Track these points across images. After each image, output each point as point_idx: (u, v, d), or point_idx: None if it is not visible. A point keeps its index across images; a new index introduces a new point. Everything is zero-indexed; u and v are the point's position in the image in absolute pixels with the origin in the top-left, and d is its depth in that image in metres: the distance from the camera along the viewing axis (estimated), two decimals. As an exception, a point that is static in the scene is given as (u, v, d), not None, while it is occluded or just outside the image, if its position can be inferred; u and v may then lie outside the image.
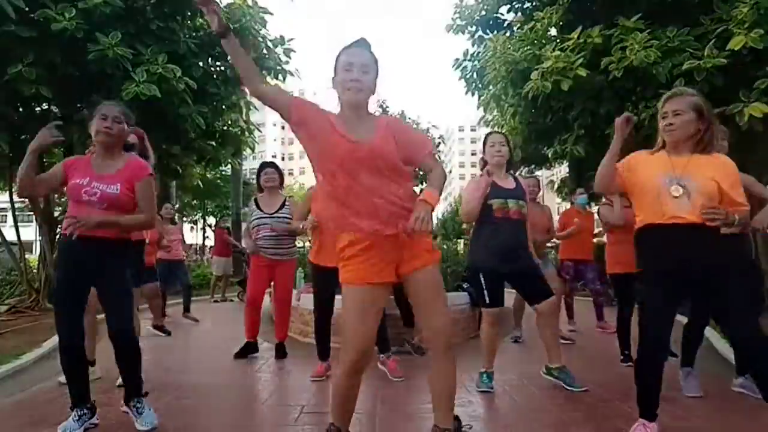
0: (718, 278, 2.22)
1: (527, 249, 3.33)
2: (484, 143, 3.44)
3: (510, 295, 3.59)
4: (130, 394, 2.57)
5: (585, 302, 6.36)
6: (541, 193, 5.70)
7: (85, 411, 2.56)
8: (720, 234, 2.25)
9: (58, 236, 7.69)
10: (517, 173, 9.83)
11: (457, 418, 2.12)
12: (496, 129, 9.66)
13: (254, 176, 4.82)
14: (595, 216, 5.18)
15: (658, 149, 2.45)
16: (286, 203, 4.35)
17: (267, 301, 5.15)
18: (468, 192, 3.35)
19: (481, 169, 3.41)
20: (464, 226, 3.48)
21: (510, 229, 3.21)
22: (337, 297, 3.82)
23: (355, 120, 1.97)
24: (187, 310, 6.81)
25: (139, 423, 2.50)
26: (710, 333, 4.53)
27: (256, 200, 4.42)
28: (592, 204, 6.75)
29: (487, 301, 3.28)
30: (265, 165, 4.45)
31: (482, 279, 3.26)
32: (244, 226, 4.35)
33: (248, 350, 4.40)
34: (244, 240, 4.52)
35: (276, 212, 4.26)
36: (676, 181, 2.27)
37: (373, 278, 1.92)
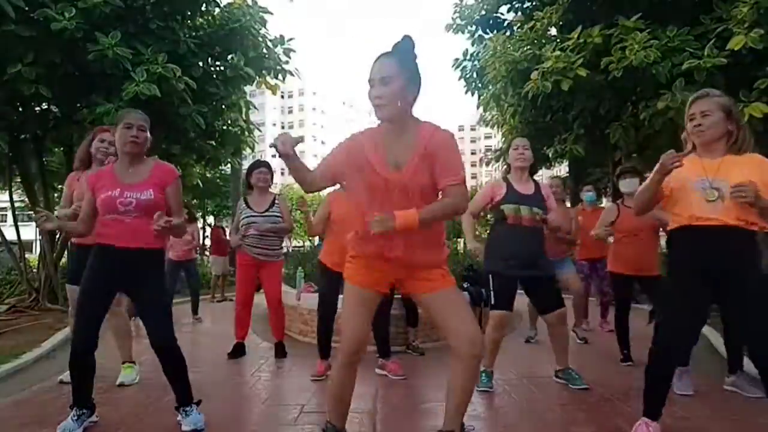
0: (739, 286, 2.18)
1: (544, 256, 3.31)
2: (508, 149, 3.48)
3: (523, 296, 3.59)
4: (179, 401, 2.59)
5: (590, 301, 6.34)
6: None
7: (84, 411, 2.56)
8: (752, 240, 2.21)
9: (58, 236, 7.69)
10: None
11: (463, 425, 2.14)
12: (496, 128, 9.68)
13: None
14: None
15: (687, 153, 2.36)
16: (276, 201, 4.34)
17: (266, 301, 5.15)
18: (478, 195, 3.43)
19: (506, 173, 3.45)
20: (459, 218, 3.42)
21: (525, 235, 3.19)
22: (340, 297, 3.83)
23: (393, 137, 1.94)
24: (195, 312, 6.90)
25: (184, 424, 2.54)
26: (710, 332, 4.53)
27: (245, 198, 4.38)
28: (597, 202, 6.74)
29: (492, 303, 3.28)
30: (258, 164, 4.40)
31: (491, 280, 3.27)
32: (230, 222, 4.37)
33: (239, 352, 4.40)
34: (230, 235, 4.51)
35: (266, 211, 4.24)
36: (709, 183, 2.20)
37: (368, 285, 2.05)
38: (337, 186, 3.78)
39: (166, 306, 2.66)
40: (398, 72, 1.86)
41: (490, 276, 3.26)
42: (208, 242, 27.67)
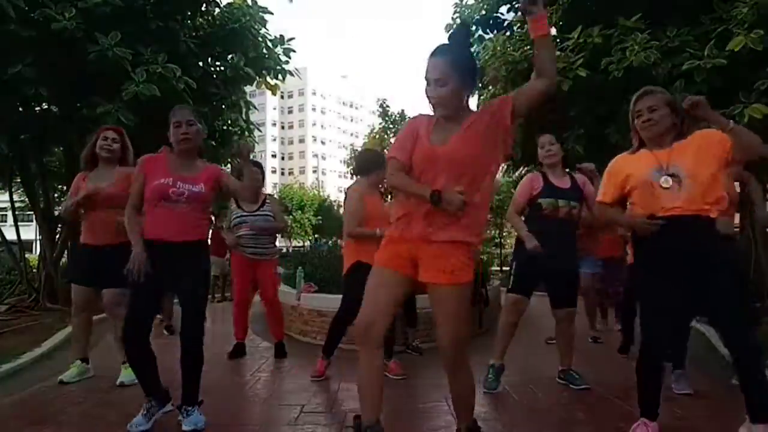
0: (710, 273, 2.21)
1: (572, 251, 3.30)
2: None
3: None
4: (184, 400, 2.60)
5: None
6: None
7: (153, 404, 2.59)
8: (715, 227, 2.25)
9: (58, 236, 7.69)
10: (517, 173, 9.82)
11: (474, 421, 2.18)
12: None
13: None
14: None
15: (635, 149, 2.46)
16: (267, 201, 4.35)
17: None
18: (517, 192, 3.43)
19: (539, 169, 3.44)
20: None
21: (556, 228, 3.19)
22: (338, 297, 3.83)
23: (452, 124, 1.99)
24: None
25: (185, 423, 2.54)
26: (710, 332, 4.54)
27: (236, 198, 4.35)
28: None
29: (511, 286, 3.33)
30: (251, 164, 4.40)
31: (515, 267, 3.35)
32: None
33: (240, 352, 4.41)
34: (225, 234, 4.53)
35: (256, 210, 4.25)
36: (664, 172, 2.26)
37: (392, 264, 2.03)
38: (354, 181, 3.81)
39: (202, 301, 2.69)
40: (452, 72, 1.91)
41: (516, 261, 3.33)
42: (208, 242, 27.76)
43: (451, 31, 2.04)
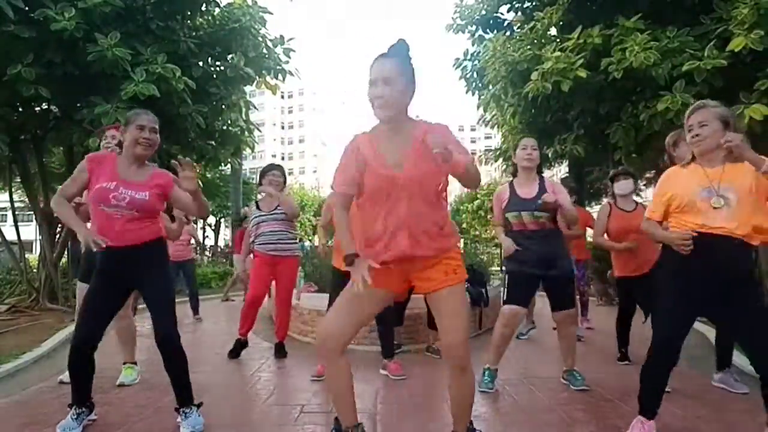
0: (740, 291, 2.23)
1: (563, 256, 3.30)
2: (515, 148, 3.46)
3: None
4: (179, 402, 2.59)
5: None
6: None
7: (83, 409, 2.57)
8: (751, 248, 2.26)
9: (58, 236, 7.70)
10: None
11: (471, 423, 2.16)
12: (496, 128, 9.68)
13: (254, 176, 4.86)
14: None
15: (688, 162, 2.44)
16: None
17: (266, 300, 5.14)
18: (494, 205, 3.49)
19: (513, 174, 3.49)
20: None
21: (537, 238, 3.20)
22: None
23: (389, 137, 1.97)
24: (195, 312, 7.02)
25: (183, 426, 2.52)
26: (709, 332, 4.54)
27: (257, 202, 4.55)
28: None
29: (505, 299, 3.34)
30: (271, 167, 4.46)
31: (506, 278, 3.35)
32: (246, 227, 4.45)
33: (241, 347, 4.43)
34: (236, 264, 4.66)
35: (271, 211, 4.37)
36: (714, 192, 2.26)
37: (378, 283, 1.92)
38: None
39: (169, 300, 2.64)
40: (399, 73, 1.91)
41: (508, 273, 3.33)
42: (208, 242, 27.74)
43: (393, 44, 2.03)
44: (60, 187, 2.63)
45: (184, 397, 2.60)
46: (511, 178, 3.53)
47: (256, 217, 4.40)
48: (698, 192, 2.29)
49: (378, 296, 2.02)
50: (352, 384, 2.06)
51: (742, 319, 2.25)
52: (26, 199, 9.28)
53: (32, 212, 8.08)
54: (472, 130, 73.61)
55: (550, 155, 8.33)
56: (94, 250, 2.37)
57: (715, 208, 2.24)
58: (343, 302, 2.02)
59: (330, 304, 3.70)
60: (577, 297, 5.97)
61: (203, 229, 31.38)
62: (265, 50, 7.92)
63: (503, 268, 3.49)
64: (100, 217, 2.53)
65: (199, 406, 2.62)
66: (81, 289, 3.48)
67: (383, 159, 1.95)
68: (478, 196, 25.33)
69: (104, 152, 2.71)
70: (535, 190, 3.27)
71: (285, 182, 4.53)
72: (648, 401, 2.38)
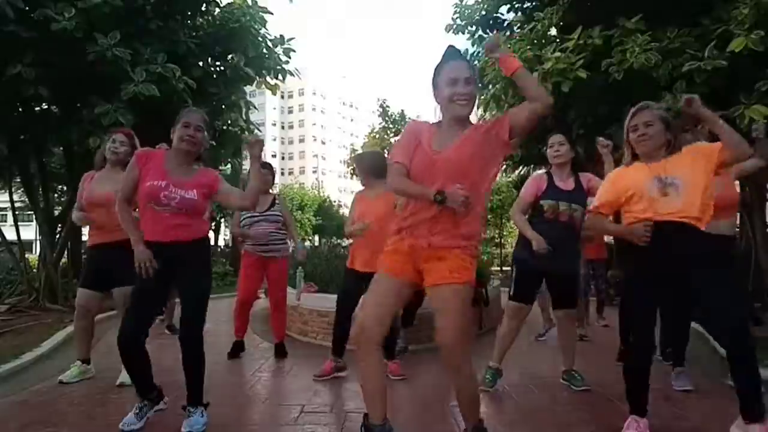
0: (703, 274, 2.29)
1: (574, 253, 3.30)
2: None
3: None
4: (189, 399, 2.60)
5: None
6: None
7: (145, 403, 2.58)
8: (706, 233, 2.34)
9: (58, 236, 7.69)
10: (516, 173, 9.77)
11: (480, 421, 2.24)
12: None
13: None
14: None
15: (629, 162, 2.56)
16: (276, 201, 4.42)
17: (264, 300, 5.13)
18: (523, 191, 3.42)
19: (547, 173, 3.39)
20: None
21: (558, 231, 3.18)
22: (333, 296, 3.83)
23: (453, 132, 2.08)
24: None
25: (184, 424, 2.53)
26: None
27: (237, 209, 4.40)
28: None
29: (511, 294, 3.34)
30: (262, 164, 4.43)
31: (515, 271, 3.35)
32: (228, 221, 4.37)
33: (239, 348, 4.41)
34: (231, 228, 4.59)
35: (266, 211, 4.31)
36: (664, 181, 2.36)
37: (397, 272, 2.10)
38: (362, 187, 3.83)
39: (203, 301, 2.69)
40: (473, 74, 2.06)
41: (516, 264, 3.33)
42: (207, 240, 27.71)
43: (448, 49, 2.10)
44: (118, 191, 2.64)
45: (193, 395, 2.60)
46: (511, 178, 3.54)
47: (248, 217, 4.33)
48: (649, 182, 2.39)
49: (397, 286, 2.11)
50: (384, 377, 2.16)
51: (704, 300, 2.31)
52: (26, 199, 9.27)
53: (32, 212, 8.07)
54: (472, 130, 73.59)
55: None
56: (142, 269, 2.44)
57: (666, 195, 2.34)
58: (371, 297, 2.12)
59: (339, 304, 3.68)
60: (594, 296, 6.00)
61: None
62: (265, 50, 7.91)
63: (515, 257, 3.44)
64: (149, 215, 2.54)
65: (206, 406, 2.63)
66: (82, 294, 3.47)
67: (432, 143, 2.08)
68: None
69: (148, 149, 2.73)
70: (573, 184, 3.29)
71: (274, 179, 4.51)
72: (635, 399, 2.42)
